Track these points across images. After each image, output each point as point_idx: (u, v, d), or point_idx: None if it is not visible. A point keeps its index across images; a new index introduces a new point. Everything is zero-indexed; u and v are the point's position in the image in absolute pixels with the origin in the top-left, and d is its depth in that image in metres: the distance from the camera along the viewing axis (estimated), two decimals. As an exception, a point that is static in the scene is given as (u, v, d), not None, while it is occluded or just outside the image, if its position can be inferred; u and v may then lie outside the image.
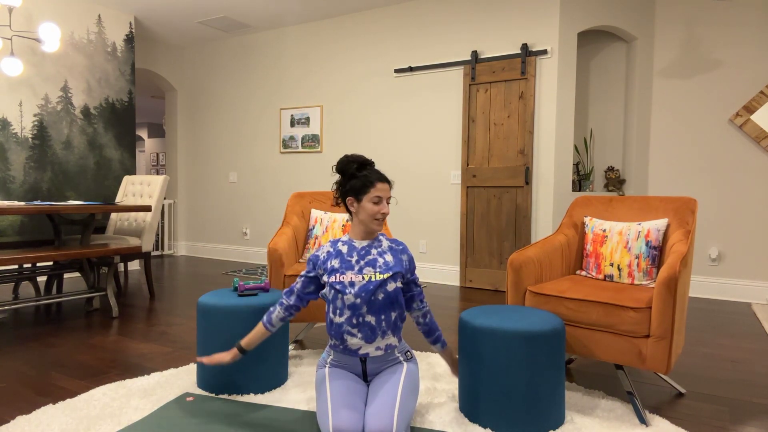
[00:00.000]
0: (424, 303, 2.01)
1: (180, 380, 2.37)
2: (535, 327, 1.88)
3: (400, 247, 1.94)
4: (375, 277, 1.81)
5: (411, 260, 1.94)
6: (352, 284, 1.82)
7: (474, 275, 4.87)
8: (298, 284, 1.95)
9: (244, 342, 1.96)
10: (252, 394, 2.20)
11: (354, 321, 1.80)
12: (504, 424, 1.87)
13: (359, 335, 1.80)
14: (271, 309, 1.97)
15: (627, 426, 1.95)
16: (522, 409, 1.85)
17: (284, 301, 1.95)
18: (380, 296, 1.80)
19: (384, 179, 1.88)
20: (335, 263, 1.87)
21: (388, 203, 1.89)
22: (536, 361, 1.86)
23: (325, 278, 1.87)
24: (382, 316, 1.81)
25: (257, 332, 1.96)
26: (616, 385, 2.42)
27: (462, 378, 2.02)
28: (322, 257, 1.91)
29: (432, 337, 2.04)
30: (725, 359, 2.81)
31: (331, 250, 1.92)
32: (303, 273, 1.96)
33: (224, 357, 1.97)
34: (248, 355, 2.19)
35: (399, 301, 1.85)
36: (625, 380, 2.11)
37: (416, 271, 5.26)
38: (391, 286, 1.82)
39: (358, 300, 1.80)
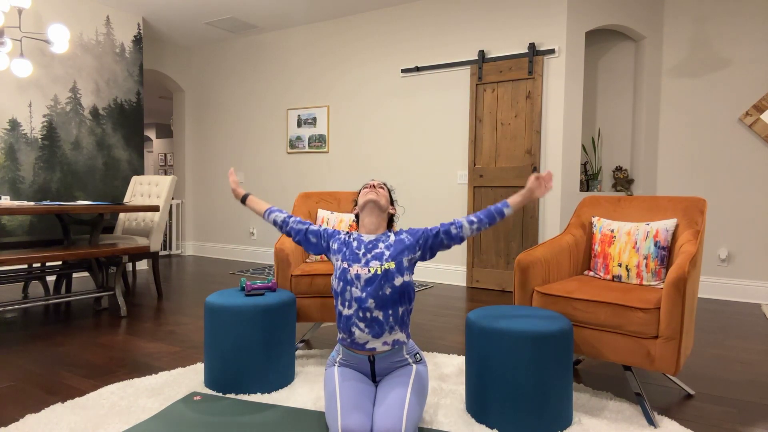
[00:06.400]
0: (456, 221, 1.94)
1: (188, 379, 2.38)
2: (543, 328, 1.87)
3: (403, 233, 1.95)
4: (380, 270, 1.82)
5: (413, 232, 1.94)
6: (358, 277, 1.83)
7: (481, 276, 4.86)
8: (310, 228, 2.05)
9: (249, 200, 2.19)
10: (259, 394, 2.21)
11: (361, 315, 1.81)
12: (511, 425, 1.86)
13: (366, 330, 1.81)
14: (279, 215, 2.11)
15: (635, 427, 1.94)
16: (529, 410, 1.84)
17: (289, 222, 2.09)
18: (387, 291, 1.81)
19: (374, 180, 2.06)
20: (345, 251, 1.91)
21: (378, 187, 2.00)
22: (543, 362, 1.85)
23: (332, 258, 1.96)
24: (390, 311, 1.81)
25: (259, 206, 2.17)
26: (624, 386, 2.41)
27: (469, 378, 2.01)
28: (336, 236, 1.99)
29: (495, 218, 1.93)
30: (735, 360, 2.79)
31: (345, 237, 1.97)
32: (316, 228, 2.04)
33: (236, 186, 2.21)
34: (255, 354, 2.20)
35: (407, 295, 1.85)
36: (634, 381, 2.10)
37: (424, 271, 5.25)
38: (398, 281, 1.82)
39: (364, 294, 1.80)
